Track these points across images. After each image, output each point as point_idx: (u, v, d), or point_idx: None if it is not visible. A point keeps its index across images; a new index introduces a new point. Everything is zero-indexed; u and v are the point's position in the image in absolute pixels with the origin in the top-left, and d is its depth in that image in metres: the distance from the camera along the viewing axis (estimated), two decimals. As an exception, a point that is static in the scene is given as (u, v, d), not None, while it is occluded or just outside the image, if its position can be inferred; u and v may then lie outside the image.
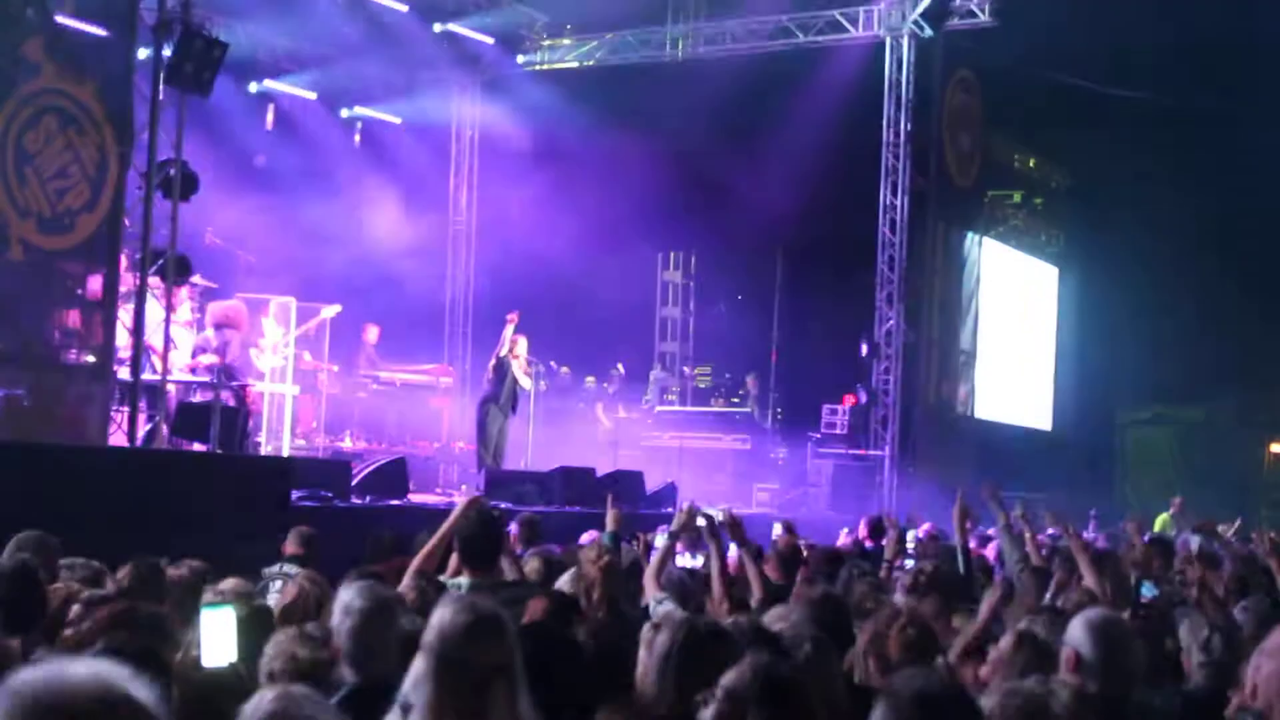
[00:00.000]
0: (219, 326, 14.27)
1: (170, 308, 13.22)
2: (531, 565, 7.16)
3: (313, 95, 20.23)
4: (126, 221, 13.29)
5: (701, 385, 22.99)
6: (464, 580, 6.17)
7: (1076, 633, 4.47)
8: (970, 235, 22.56)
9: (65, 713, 1.75)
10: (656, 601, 5.92)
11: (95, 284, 13.16)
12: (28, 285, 12.75)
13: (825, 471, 19.19)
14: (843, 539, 12.23)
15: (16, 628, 4.88)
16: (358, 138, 20.84)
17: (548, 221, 19.84)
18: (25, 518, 6.81)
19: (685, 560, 8.48)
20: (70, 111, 12.93)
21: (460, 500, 7.21)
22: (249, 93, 19.33)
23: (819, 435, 19.85)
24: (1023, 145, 25.62)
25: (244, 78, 18.75)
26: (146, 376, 12.95)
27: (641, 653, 4.16)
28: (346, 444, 17.60)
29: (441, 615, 3.56)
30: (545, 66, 21.94)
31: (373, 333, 18.60)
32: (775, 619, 4.77)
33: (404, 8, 19.67)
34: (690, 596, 6.38)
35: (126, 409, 12.77)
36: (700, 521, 7.01)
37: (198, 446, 12.73)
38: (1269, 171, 20.27)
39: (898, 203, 19.67)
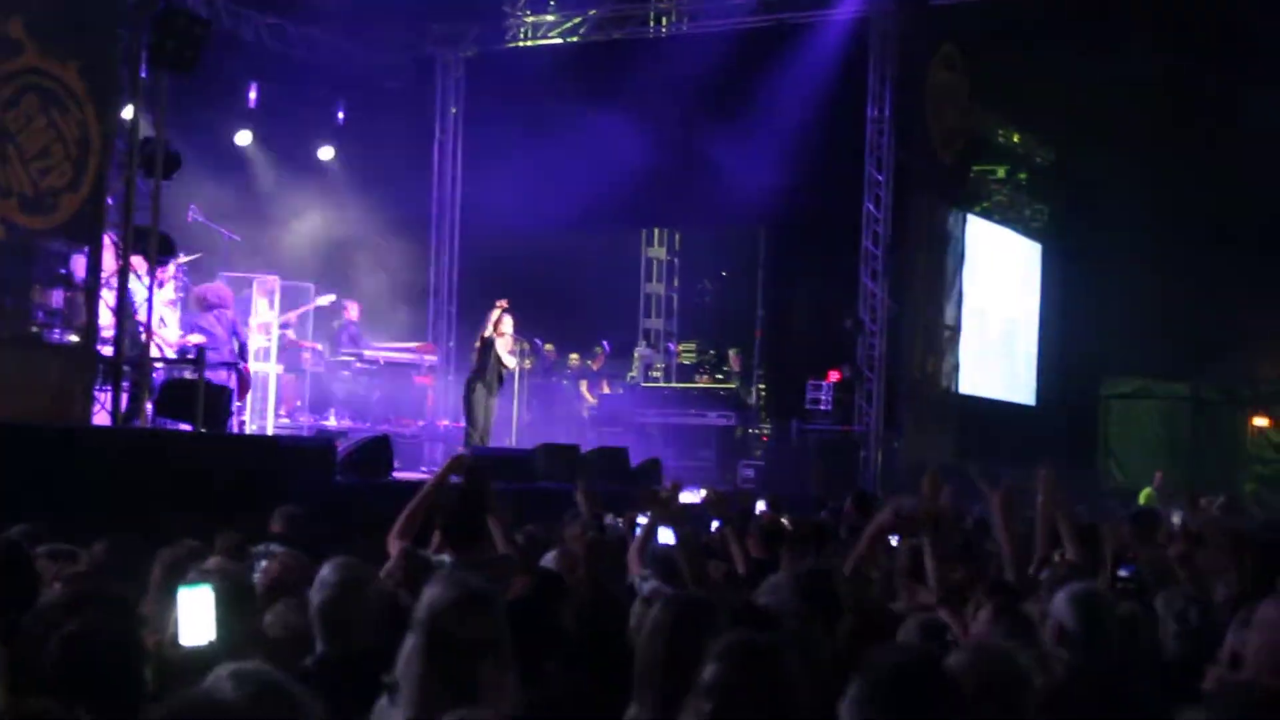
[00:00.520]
0: (216, 308, 14.23)
1: (159, 284, 13.21)
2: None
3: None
4: (110, 200, 13.26)
5: (686, 361, 23.00)
6: (446, 558, 6.16)
7: (1060, 606, 4.52)
8: (955, 211, 22.54)
9: None
10: (641, 579, 5.95)
11: (78, 264, 13.13)
12: (10, 265, 12.66)
13: (810, 446, 19.21)
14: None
15: (7, 608, 4.85)
16: (341, 114, 20.72)
17: (531, 198, 19.78)
18: (10, 499, 6.80)
19: (668, 536, 8.48)
20: (53, 91, 12.85)
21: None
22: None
23: (804, 411, 19.87)
24: (1007, 121, 25.58)
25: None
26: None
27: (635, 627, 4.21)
28: (331, 422, 17.60)
29: (432, 592, 3.59)
30: (529, 43, 21.87)
31: (354, 310, 18.57)
32: (764, 592, 4.81)
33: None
34: (676, 573, 6.39)
35: (110, 389, 12.77)
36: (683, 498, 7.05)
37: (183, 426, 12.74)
38: (1256, 147, 20.27)
39: (882, 178, 19.67)
